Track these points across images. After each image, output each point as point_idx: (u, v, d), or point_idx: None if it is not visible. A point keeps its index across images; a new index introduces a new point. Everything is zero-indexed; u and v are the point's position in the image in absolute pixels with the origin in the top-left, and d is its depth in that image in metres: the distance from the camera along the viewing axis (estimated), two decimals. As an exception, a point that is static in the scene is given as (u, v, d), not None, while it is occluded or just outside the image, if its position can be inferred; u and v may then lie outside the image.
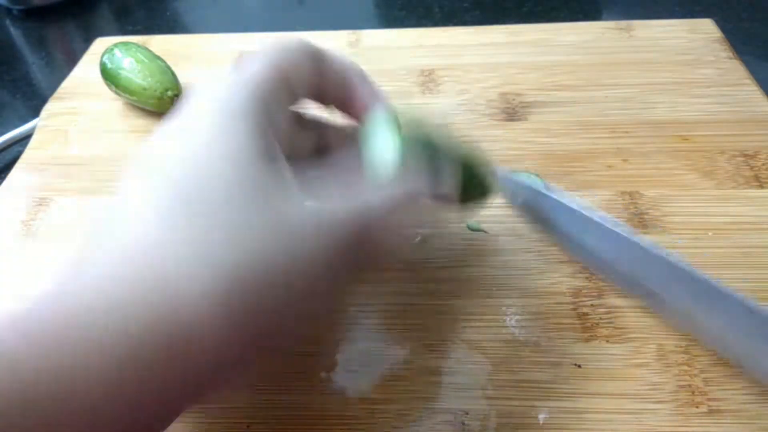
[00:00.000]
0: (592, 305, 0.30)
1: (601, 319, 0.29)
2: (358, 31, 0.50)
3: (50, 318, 0.17)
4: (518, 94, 0.42)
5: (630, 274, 0.29)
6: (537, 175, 0.35)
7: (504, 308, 0.30)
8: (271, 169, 0.21)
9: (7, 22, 0.63)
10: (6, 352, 0.16)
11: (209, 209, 0.20)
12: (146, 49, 0.43)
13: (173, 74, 0.43)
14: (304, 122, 0.28)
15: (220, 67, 0.47)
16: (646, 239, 0.28)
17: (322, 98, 0.27)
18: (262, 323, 0.20)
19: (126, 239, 0.19)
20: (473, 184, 0.29)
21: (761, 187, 0.35)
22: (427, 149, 0.26)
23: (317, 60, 0.25)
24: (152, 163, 0.21)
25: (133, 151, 0.24)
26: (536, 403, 0.26)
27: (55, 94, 0.46)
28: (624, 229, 0.28)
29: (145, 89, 0.41)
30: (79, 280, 0.19)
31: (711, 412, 0.25)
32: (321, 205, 0.22)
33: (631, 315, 0.29)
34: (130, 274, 0.18)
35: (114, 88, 0.43)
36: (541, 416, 0.26)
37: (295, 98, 0.25)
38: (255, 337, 0.20)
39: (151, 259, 0.19)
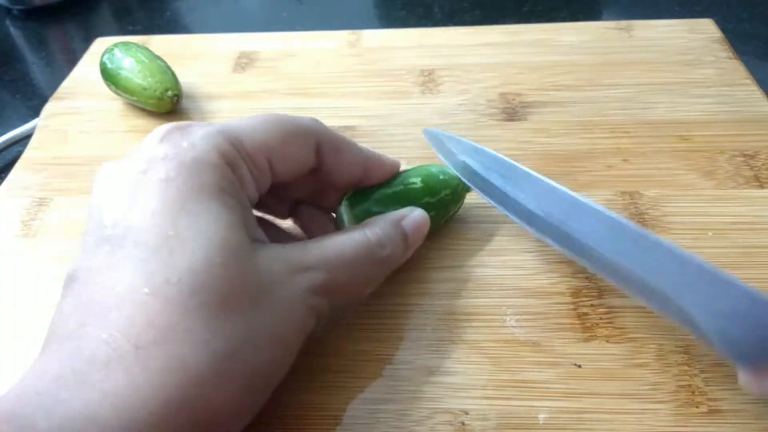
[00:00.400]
0: (592, 305, 0.30)
1: (601, 319, 0.29)
2: (358, 31, 0.50)
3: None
4: (518, 94, 0.42)
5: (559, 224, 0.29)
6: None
7: (504, 308, 0.30)
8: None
9: (7, 22, 0.63)
10: None
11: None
12: (146, 49, 0.43)
13: (173, 74, 0.43)
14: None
15: (219, 68, 0.47)
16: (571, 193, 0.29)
17: (327, 182, 0.29)
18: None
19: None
20: (445, 210, 0.32)
21: (761, 187, 0.35)
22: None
23: (320, 149, 0.27)
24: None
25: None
26: (536, 403, 0.26)
27: (55, 94, 0.46)
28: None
29: (145, 89, 0.41)
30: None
31: (711, 412, 0.25)
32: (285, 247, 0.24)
33: (631, 315, 0.29)
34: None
35: (114, 88, 0.43)
36: (541, 416, 0.26)
37: (257, 179, 0.26)
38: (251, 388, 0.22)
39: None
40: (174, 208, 0.22)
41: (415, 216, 0.29)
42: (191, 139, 0.23)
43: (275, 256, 0.23)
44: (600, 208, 0.28)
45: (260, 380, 0.22)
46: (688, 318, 0.24)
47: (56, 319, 0.21)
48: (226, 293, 0.21)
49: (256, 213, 0.29)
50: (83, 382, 0.18)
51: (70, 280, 0.22)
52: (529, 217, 0.30)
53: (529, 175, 0.31)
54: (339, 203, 0.30)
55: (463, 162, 0.33)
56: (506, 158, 0.32)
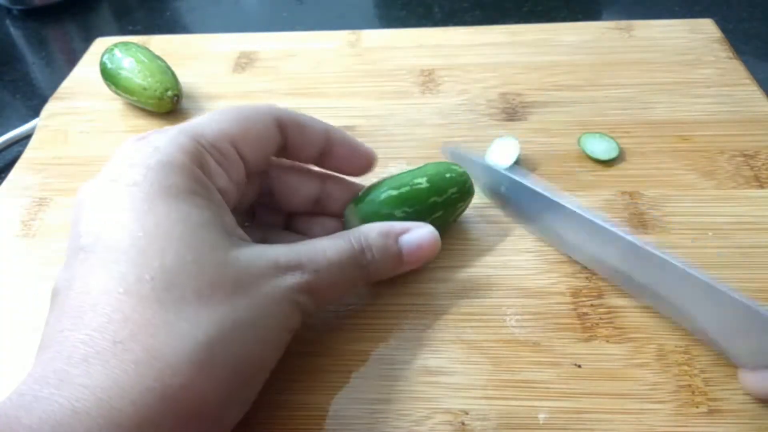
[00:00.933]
0: (592, 305, 0.30)
1: (601, 319, 0.29)
2: (358, 31, 0.50)
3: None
4: (518, 94, 0.42)
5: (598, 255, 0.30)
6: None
7: (504, 308, 0.30)
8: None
9: (7, 22, 0.63)
10: None
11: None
12: (146, 49, 0.43)
13: (173, 74, 0.43)
14: (304, 172, 0.31)
15: (219, 68, 0.47)
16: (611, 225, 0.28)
17: (297, 158, 0.29)
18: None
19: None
20: (453, 209, 0.32)
21: (761, 187, 0.35)
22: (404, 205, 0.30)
23: (282, 125, 0.28)
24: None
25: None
26: (536, 403, 0.26)
27: (55, 94, 0.46)
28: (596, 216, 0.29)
29: (145, 89, 0.41)
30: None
31: (711, 412, 0.25)
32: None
33: (631, 315, 0.29)
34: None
35: (114, 88, 0.43)
36: (541, 416, 0.26)
37: (239, 162, 0.26)
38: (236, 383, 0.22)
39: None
40: (141, 211, 0.22)
41: (419, 234, 0.28)
42: (155, 143, 0.24)
43: (260, 254, 0.24)
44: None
45: (245, 372, 0.22)
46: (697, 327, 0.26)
47: (44, 332, 0.22)
48: (201, 287, 0.21)
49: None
50: (62, 380, 0.19)
51: (54, 293, 0.22)
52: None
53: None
54: (346, 207, 0.31)
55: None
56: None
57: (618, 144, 0.37)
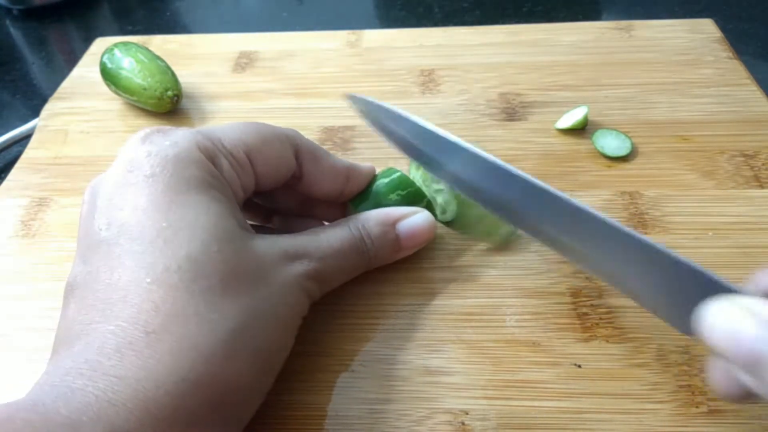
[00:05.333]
0: (592, 305, 0.30)
1: (601, 319, 0.29)
2: (358, 31, 0.50)
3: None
4: (518, 94, 0.42)
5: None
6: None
7: (504, 308, 0.30)
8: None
9: (7, 22, 0.63)
10: None
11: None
12: (146, 49, 0.43)
13: (173, 74, 0.43)
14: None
15: (219, 68, 0.47)
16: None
17: (314, 192, 0.30)
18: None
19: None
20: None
21: (761, 187, 0.35)
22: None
23: (298, 152, 0.28)
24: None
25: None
26: (536, 403, 0.26)
27: (55, 94, 0.46)
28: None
29: (145, 89, 0.41)
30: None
31: (711, 412, 0.25)
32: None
33: (631, 315, 0.29)
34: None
35: (114, 88, 0.43)
36: (541, 416, 0.26)
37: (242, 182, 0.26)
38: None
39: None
40: (163, 202, 0.22)
41: (415, 219, 0.30)
42: (172, 138, 0.24)
43: (271, 244, 0.25)
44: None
45: (266, 358, 0.23)
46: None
47: (62, 325, 0.22)
48: (227, 277, 0.22)
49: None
50: (95, 371, 0.19)
51: (71, 288, 0.22)
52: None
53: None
54: (347, 209, 0.32)
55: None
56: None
57: (632, 142, 0.37)
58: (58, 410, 0.18)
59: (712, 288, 0.21)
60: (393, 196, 0.31)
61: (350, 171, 0.30)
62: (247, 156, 0.26)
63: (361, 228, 0.28)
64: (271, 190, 0.29)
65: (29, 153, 0.41)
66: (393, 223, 0.29)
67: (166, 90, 0.41)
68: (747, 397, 0.20)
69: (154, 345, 0.19)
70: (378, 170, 0.33)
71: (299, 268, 0.25)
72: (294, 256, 0.25)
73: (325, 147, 0.39)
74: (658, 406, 0.26)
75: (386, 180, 0.31)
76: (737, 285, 0.21)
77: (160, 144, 0.24)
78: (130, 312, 0.20)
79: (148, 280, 0.21)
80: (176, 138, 0.24)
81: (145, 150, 0.24)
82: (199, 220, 0.22)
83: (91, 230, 0.23)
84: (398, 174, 0.32)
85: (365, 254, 0.28)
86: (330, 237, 0.27)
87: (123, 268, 0.21)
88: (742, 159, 0.36)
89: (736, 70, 0.42)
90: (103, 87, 0.44)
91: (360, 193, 0.31)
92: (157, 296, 0.20)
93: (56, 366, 0.20)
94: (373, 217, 0.29)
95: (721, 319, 0.19)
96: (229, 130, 0.26)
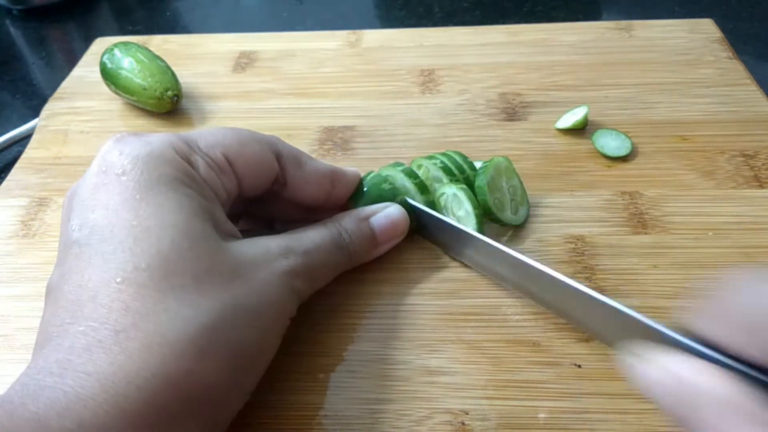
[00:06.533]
0: (592, 305, 0.30)
1: (601, 319, 0.29)
2: (358, 31, 0.50)
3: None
4: (518, 94, 0.42)
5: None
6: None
7: (504, 308, 0.30)
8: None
9: (7, 22, 0.63)
10: None
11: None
12: (146, 49, 0.43)
13: (173, 74, 0.43)
14: None
15: (219, 68, 0.47)
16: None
17: (301, 197, 0.30)
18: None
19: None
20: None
21: (761, 187, 0.35)
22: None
23: (279, 156, 0.28)
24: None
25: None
26: (536, 403, 0.26)
27: (55, 94, 0.46)
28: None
29: (145, 89, 0.41)
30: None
31: (711, 412, 0.25)
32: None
33: (631, 315, 0.29)
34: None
35: (114, 88, 0.43)
36: (541, 416, 0.26)
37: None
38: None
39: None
40: (134, 200, 0.22)
41: (386, 213, 0.31)
42: (146, 138, 0.24)
43: (251, 244, 0.25)
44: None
45: (247, 358, 0.23)
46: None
47: (40, 329, 0.22)
48: (200, 274, 0.22)
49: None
50: (66, 369, 0.19)
51: (49, 290, 0.22)
52: None
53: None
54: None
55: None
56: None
57: (632, 142, 0.37)
58: (26, 406, 0.18)
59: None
60: (385, 187, 0.31)
61: (334, 174, 0.30)
62: (225, 157, 0.26)
63: (338, 225, 0.29)
64: (261, 197, 0.29)
65: (29, 153, 0.41)
66: (366, 218, 0.30)
67: (166, 90, 0.41)
68: None
69: (123, 342, 0.20)
70: (378, 170, 0.33)
71: (284, 263, 0.25)
72: (278, 253, 0.25)
73: (325, 147, 0.39)
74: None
75: (374, 172, 0.32)
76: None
77: (132, 144, 0.24)
78: (100, 312, 0.20)
79: (118, 279, 0.21)
80: (150, 139, 0.24)
81: (117, 149, 0.24)
82: (170, 217, 0.22)
83: (65, 233, 0.23)
84: (402, 167, 0.33)
85: (345, 249, 0.29)
86: (310, 234, 0.28)
87: (93, 269, 0.21)
88: (742, 159, 0.36)
89: (736, 70, 0.42)
90: (103, 87, 0.44)
91: (357, 191, 0.31)
92: (127, 295, 0.20)
93: (29, 368, 0.20)
94: (348, 215, 0.30)
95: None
96: (206, 133, 0.27)
